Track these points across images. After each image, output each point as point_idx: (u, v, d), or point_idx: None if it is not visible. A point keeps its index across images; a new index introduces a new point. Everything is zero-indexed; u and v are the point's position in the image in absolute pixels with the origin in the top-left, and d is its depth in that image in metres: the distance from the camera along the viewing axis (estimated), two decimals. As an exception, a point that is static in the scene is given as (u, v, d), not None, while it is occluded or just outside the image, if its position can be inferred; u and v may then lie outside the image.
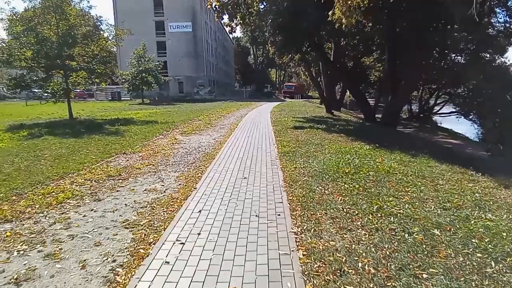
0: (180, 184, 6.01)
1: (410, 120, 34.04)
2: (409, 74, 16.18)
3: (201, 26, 54.75)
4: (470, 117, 31.52)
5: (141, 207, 4.85)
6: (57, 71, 18.23)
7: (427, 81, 31.59)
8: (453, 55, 27.95)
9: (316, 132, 12.50)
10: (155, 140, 11.33)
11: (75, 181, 6.21)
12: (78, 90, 46.91)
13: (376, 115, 21.77)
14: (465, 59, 28.37)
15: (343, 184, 5.78)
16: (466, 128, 31.63)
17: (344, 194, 5.23)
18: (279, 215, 4.46)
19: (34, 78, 18.31)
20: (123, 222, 4.29)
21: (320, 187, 5.59)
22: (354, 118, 24.57)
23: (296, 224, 4.17)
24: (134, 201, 5.13)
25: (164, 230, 4.00)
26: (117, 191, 5.64)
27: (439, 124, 36.12)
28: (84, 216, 4.51)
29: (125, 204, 4.97)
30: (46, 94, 19.51)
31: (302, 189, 5.50)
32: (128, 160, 8.24)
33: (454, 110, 34.32)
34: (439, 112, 37.58)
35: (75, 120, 18.03)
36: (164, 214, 4.55)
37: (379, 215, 4.44)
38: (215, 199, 5.12)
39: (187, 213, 4.53)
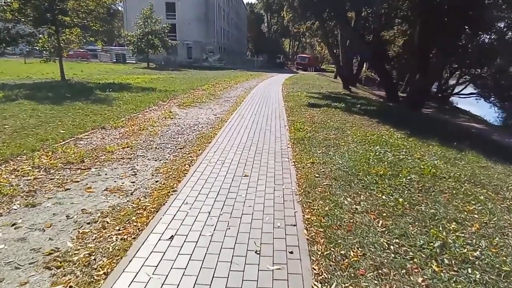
0: (157, 182, 4.43)
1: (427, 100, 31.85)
2: (443, 51, 14.01)
3: (213, -13, 51.29)
4: (491, 99, 29.68)
5: (88, 223, 3.30)
6: (48, 26, 16.39)
7: (450, 60, 29.22)
8: (481, 33, 25.44)
9: (335, 112, 10.73)
10: (146, 112, 9.69)
11: (19, 168, 4.65)
12: (82, 50, 45.37)
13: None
14: (491, 38, 25.88)
15: (380, 194, 4.14)
16: (484, 110, 29.92)
17: (384, 214, 3.60)
18: (291, 252, 2.88)
19: (21, 33, 16.51)
20: (48, 255, 2.74)
21: (349, 199, 3.96)
22: (373, 96, 22.53)
23: (318, 275, 2.59)
24: (83, 210, 3.57)
25: (104, 280, 2.45)
26: (67, 189, 4.08)
27: (455, 105, 34.20)
28: (-4, 236, 2.98)
29: (67, 216, 3.42)
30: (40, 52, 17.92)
31: (324, 201, 3.88)
32: (104, 138, 6.65)
33: (474, 91, 32.18)
34: (458, 93, 35.29)
35: (66, 83, 16.37)
36: (116, 240, 2.99)
37: (446, 261, 2.84)
38: (199, 213, 3.54)
39: (151, 240, 2.98)
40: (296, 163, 5.30)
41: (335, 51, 29.60)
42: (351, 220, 3.43)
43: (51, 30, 16.36)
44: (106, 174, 4.63)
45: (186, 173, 4.71)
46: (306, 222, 3.40)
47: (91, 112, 9.00)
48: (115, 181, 4.40)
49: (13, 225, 3.18)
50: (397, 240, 3.13)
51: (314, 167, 5.09)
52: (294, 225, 3.32)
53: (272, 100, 13.28)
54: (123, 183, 4.36)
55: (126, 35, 37.43)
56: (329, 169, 4.99)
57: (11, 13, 15.02)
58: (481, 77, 29.73)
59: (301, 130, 7.70)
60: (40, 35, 16.53)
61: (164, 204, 3.71)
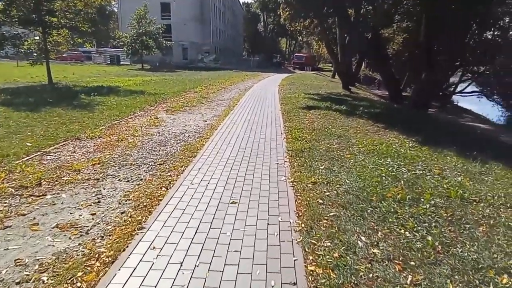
0: (123, 213, 3.57)
1: (427, 99, 30.99)
2: (452, 48, 13.20)
3: (208, -13, 50.41)
4: (494, 97, 29.13)
5: (18, 283, 2.45)
6: (34, 27, 15.52)
7: (457, 58, 28.43)
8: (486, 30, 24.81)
9: (336, 116, 9.87)
10: (130, 118, 8.83)
11: (-44, 196, 3.81)
12: (75, 52, 44.47)
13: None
14: (494, 35, 25.17)
15: (402, 229, 3.29)
16: (485, 109, 29.33)
17: (412, 263, 2.75)
18: (290, 336, 2.03)
19: (7, 35, 15.63)
20: None
21: (364, 238, 3.11)
22: (374, 96, 21.72)
23: None
24: (17, 260, 2.72)
25: None
26: (7, 227, 3.22)
27: (455, 104, 33.54)
28: None
29: (-10, 272, 2.58)
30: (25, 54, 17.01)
31: (332, 241, 3.03)
32: (75, 151, 5.80)
33: (476, 89, 31.51)
34: (461, 91, 34.55)
35: (53, 86, 15.48)
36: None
37: None
38: (168, 263, 2.69)
39: (94, 316, 2.13)
40: (294, 183, 4.44)
41: (333, 49, 28.78)
42: (370, 275, 2.58)
43: (38, 31, 15.51)
44: (62, 203, 3.78)
45: (160, 200, 3.86)
46: (310, 277, 2.54)
47: (68, 120, 8.16)
48: (71, 213, 3.54)
49: None
50: (434, 307, 2.28)
51: (317, 189, 4.23)
52: (294, 284, 2.48)
53: (268, 102, 12.43)
54: (80, 215, 3.50)
55: (120, 36, 36.52)
56: (335, 192, 4.14)
57: (-5, 14, 14.18)
58: (483, 75, 29.08)
59: (299, 138, 6.85)
60: (26, 37, 15.66)
61: (124, 250, 2.85)
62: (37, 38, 16.03)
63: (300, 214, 3.57)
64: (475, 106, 30.49)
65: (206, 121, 8.61)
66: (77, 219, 3.41)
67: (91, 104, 10.64)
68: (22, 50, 16.17)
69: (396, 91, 16.90)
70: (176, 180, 4.49)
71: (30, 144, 5.99)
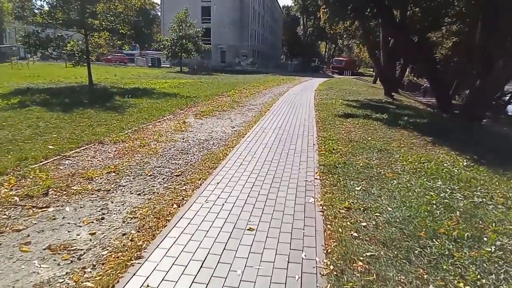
0: (124, 235, 3.14)
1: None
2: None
3: (248, -9, 50.53)
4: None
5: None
6: (77, 29, 16.08)
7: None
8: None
9: (376, 126, 9.01)
10: (158, 122, 8.59)
11: (-41, 203, 3.60)
12: (119, 54, 46.46)
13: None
14: None
15: (460, 281, 2.54)
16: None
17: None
18: None
19: (51, 37, 16.32)
20: None
21: (410, 293, 2.42)
22: (419, 104, 20.23)
23: None
24: (-10, 290, 2.37)
25: None
26: (-7, 246, 2.92)
27: (510, 114, 30.62)
28: None
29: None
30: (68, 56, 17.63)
31: (368, 294, 2.38)
32: (94, 156, 5.56)
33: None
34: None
35: (91, 87, 15.90)
36: None
37: None
38: (160, 311, 2.20)
39: None
40: (324, 208, 3.79)
41: (376, 52, 27.34)
42: None
43: (81, 33, 16.03)
44: (64, 218, 3.43)
45: (169, 220, 3.39)
46: None
47: (97, 122, 8.07)
48: (68, 231, 3.17)
49: None
50: None
51: (351, 217, 3.56)
52: None
53: (302, 109, 11.75)
54: (78, 235, 3.12)
55: (161, 39, 37.53)
56: (374, 223, 3.44)
57: (41, 16, 14.83)
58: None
59: (334, 151, 6.15)
60: (69, 38, 16.26)
61: (113, 287, 2.40)
62: (70, 39, 16.54)
63: (329, 250, 2.93)
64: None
65: (234, 128, 8.15)
66: (73, 240, 3.03)
67: (123, 106, 10.62)
68: (65, 52, 16.81)
69: (445, 99, 15.45)
70: (190, 196, 4.02)
71: (52, 147, 5.84)
